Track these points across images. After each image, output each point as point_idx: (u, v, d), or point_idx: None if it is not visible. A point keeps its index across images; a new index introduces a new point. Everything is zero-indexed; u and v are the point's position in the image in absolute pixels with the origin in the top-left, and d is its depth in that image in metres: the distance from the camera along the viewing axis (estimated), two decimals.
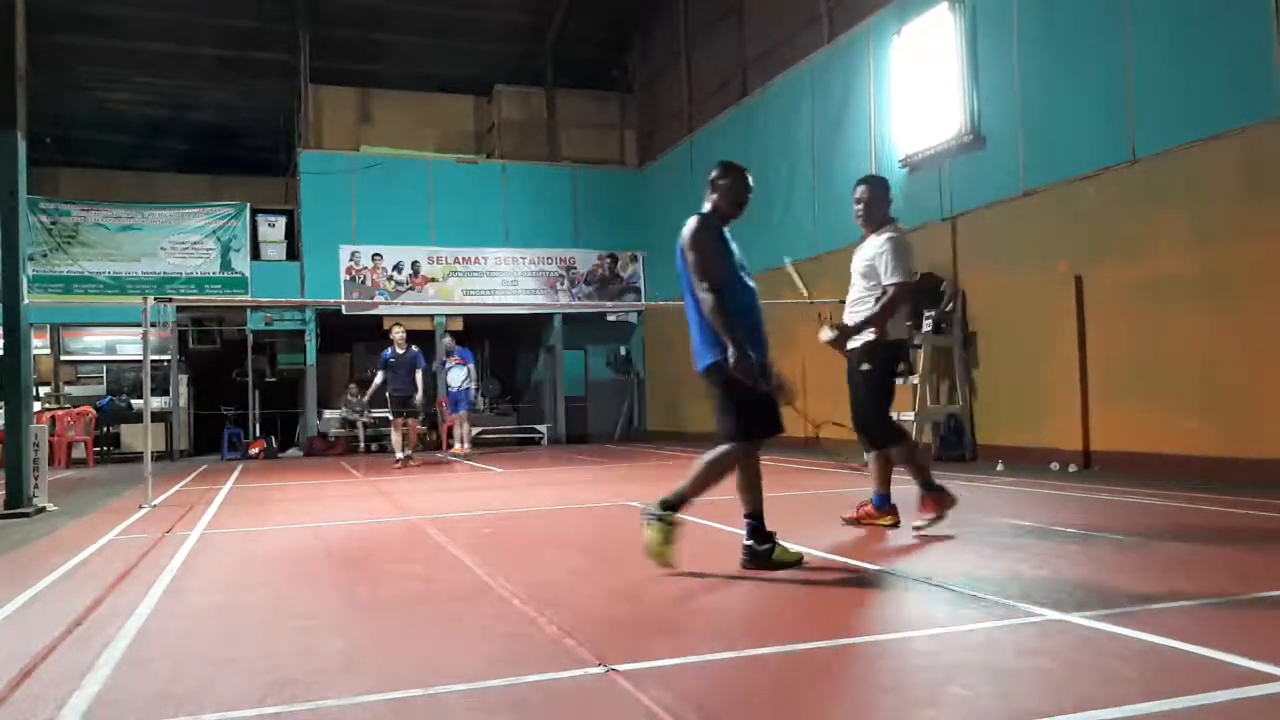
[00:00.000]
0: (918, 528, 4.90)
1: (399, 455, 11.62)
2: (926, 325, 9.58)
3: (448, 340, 13.63)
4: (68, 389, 16.93)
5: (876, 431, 5.06)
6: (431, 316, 16.58)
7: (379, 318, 16.17)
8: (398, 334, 11.79)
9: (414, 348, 11.78)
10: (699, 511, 6.08)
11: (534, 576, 4.18)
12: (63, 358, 17.04)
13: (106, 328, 17.06)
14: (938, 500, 4.89)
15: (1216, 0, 7.23)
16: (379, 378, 11.71)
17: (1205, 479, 6.93)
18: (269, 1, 16.59)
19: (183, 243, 15.59)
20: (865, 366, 4.99)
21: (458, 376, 13.22)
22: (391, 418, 12.15)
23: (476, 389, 13.66)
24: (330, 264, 16.04)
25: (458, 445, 13.36)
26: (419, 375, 11.68)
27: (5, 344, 7.54)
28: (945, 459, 9.57)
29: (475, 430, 16.28)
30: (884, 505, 5.11)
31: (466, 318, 17.18)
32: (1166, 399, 7.56)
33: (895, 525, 5.02)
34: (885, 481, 5.11)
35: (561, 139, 18.38)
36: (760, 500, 4.09)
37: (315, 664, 2.84)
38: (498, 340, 19.95)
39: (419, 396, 11.67)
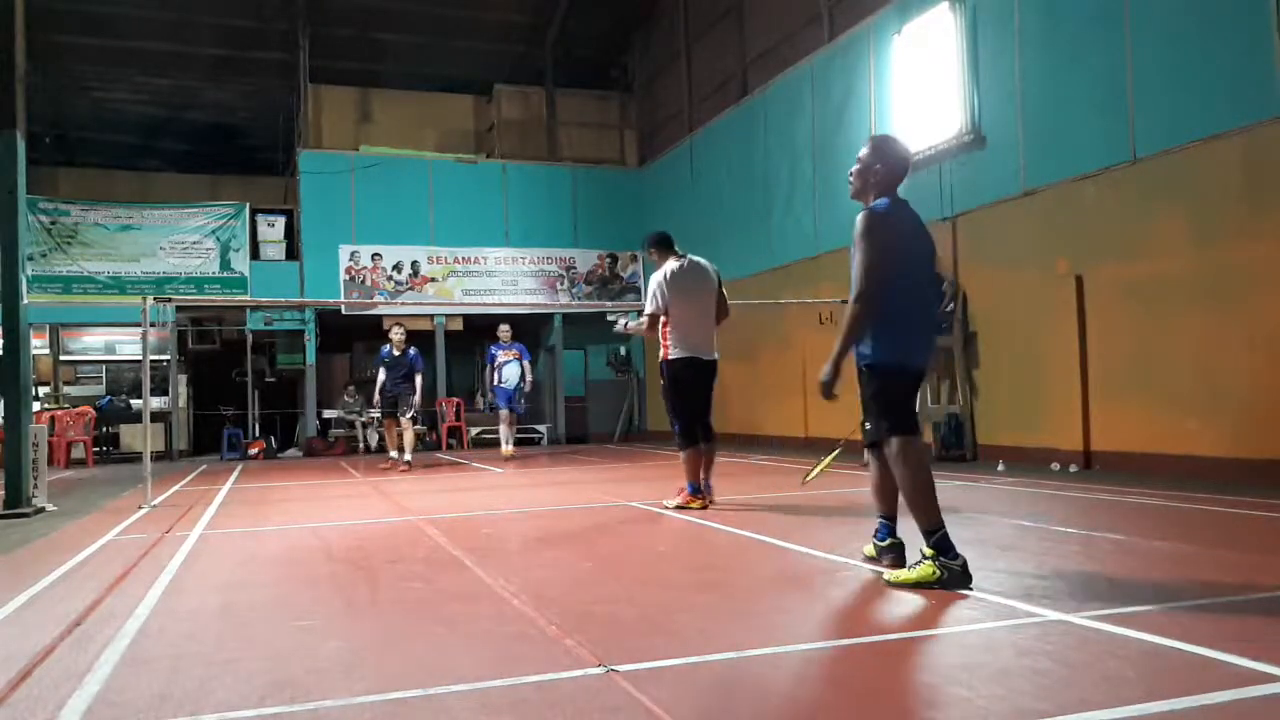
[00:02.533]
0: (666, 505, 6.29)
1: (392, 455, 11.54)
2: None
3: (505, 330, 12.84)
4: (67, 389, 16.91)
5: (676, 431, 6.32)
6: (431, 316, 16.57)
7: (378, 318, 16.17)
8: (396, 334, 11.60)
9: (412, 349, 11.58)
10: (702, 513, 6.09)
11: (534, 576, 4.18)
12: (62, 358, 17.02)
13: (106, 328, 17.04)
14: (694, 499, 6.20)
15: (1216, 0, 7.23)
16: (381, 375, 11.61)
17: (1205, 479, 6.93)
18: (269, 1, 16.59)
19: (182, 242, 15.58)
20: (661, 381, 6.34)
21: (514, 372, 12.54)
22: (381, 417, 12.09)
23: (527, 386, 12.75)
24: (330, 264, 16.03)
25: (505, 446, 12.60)
26: (417, 378, 11.47)
27: (4, 344, 7.54)
28: (946, 459, 9.57)
29: (475, 430, 16.30)
30: (696, 492, 6.24)
31: (466, 318, 17.17)
32: (1166, 399, 7.56)
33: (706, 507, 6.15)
34: (696, 472, 6.25)
35: (561, 139, 18.37)
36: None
37: (315, 664, 2.84)
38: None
39: (415, 398, 11.48)
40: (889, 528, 4.02)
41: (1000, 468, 8.51)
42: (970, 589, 3.49)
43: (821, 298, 11.06)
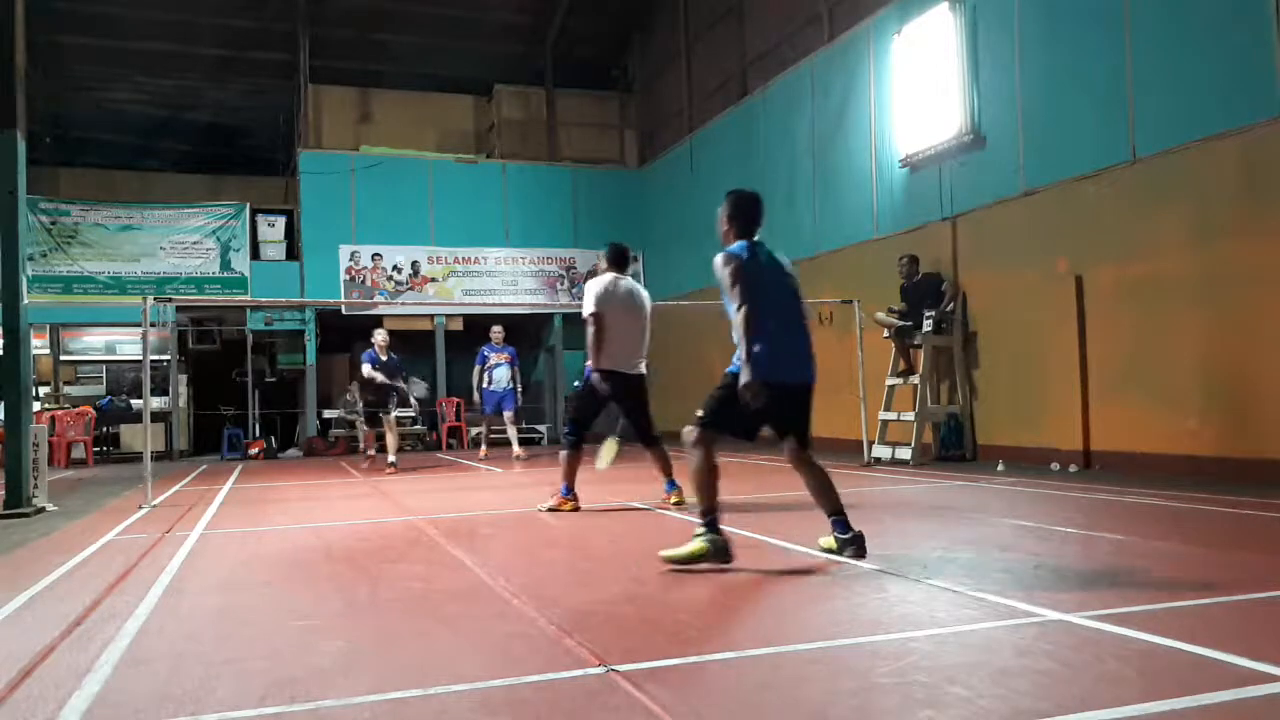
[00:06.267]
0: (539, 508, 6.52)
1: (391, 458, 11.48)
2: (927, 325, 9.58)
3: (498, 330, 12.72)
4: (67, 389, 16.92)
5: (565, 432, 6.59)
6: (431, 316, 16.58)
7: (378, 318, 16.18)
8: (380, 337, 11.45)
9: (393, 355, 11.56)
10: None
11: (534, 576, 4.18)
12: (62, 358, 17.03)
13: (106, 328, 17.05)
14: (566, 500, 6.52)
15: (1216, 0, 7.23)
16: (370, 370, 11.47)
17: (1205, 479, 6.93)
18: (269, 1, 16.59)
19: (182, 243, 15.58)
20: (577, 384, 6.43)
21: (504, 375, 12.53)
22: (376, 413, 12.02)
23: (518, 389, 12.74)
24: (330, 264, 16.03)
25: (517, 449, 12.59)
26: (403, 382, 11.51)
27: (5, 344, 7.54)
28: (945, 459, 9.57)
29: (475, 430, 16.26)
30: (569, 494, 6.55)
31: (466, 318, 17.17)
32: (1166, 399, 7.56)
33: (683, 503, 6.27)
34: (573, 476, 6.57)
35: (561, 139, 18.37)
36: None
37: (315, 664, 2.84)
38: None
39: (410, 397, 11.53)
40: (844, 523, 4.29)
41: (1000, 468, 8.51)
42: (729, 562, 4.06)
43: (821, 297, 11.05)
